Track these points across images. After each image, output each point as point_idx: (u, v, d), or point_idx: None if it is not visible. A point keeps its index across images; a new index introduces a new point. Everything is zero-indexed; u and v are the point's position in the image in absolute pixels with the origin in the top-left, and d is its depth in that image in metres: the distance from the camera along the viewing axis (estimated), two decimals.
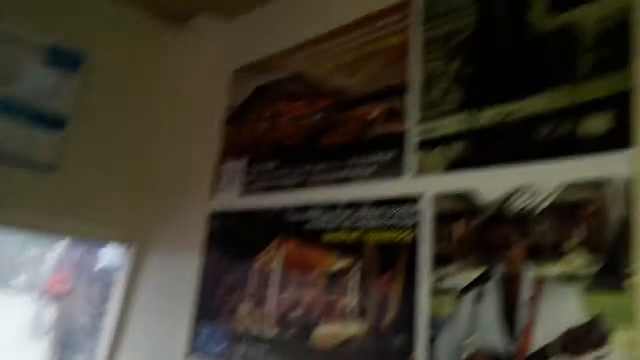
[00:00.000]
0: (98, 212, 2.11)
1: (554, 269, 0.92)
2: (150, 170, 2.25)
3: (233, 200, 1.83)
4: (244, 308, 1.59)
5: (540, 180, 1.00)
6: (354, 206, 1.38)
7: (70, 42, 2.04)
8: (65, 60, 2.02)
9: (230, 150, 1.95)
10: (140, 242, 2.18)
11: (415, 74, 1.37)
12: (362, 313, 1.24)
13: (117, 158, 2.16)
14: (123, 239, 2.20)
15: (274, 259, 1.57)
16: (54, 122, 1.98)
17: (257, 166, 1.80)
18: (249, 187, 1.79)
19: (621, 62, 0.95)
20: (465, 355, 1.00)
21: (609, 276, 0.86)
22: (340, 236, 1.38)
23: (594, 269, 0.88)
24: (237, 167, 1.88)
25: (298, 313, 1.41)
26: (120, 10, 2.23)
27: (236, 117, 1.99)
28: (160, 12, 2.28)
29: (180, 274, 1.93)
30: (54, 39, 2.00)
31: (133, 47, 2.26)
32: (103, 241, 2.30)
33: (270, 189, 1.70)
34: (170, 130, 2.29)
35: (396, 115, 1.38)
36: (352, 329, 1.24)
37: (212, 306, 1.71)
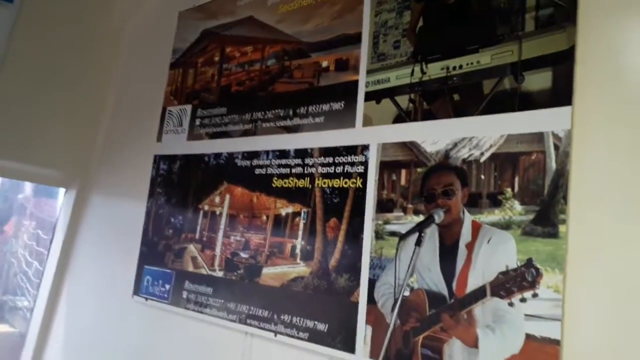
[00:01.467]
0: (36, 153, 2.02)
1: (492, 216, 1.01)
2: (93, 111, 2.16)
3: (180, 143, 1.81)
4: (191, 250, 1.62)
5: (482, 133, 1.07)
6: (304, 154, 1.41)
7: None
8: None
9: (177, 93, 1.91)
10: (82, 184, 2.13)
11: (367, 25, 1.38)
12: (309, 254, 1.30)
13: (56, 98, 2.05)
14: (63, 182, 2.14)
15: (222, 202, 1.59)
16: None
17: (204, 111, 1.77)
18: (196, 131, 1.77)
19: (564, 21, 1.01)
20: (404, 293, 1.09)
21: (543, 223, 0.94)
22: (290, 182, 1.42)
23: (530, 216, 0.97)
24: (184, 110, 1.85)
25: (245, 254, 1.46)
26: None
27: (182, 60, 1.94)
28: None
29: (125, 216, 1.91)
30: None
31: None
32: (42, 182, 2.21)
33: (218, 134, 1.70)
34: (115, 70, 2.20)
35: (348, 65, 1.40)
36: (299, 268, 1.31)
37: (157, 248, 1.72)
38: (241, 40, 1.76)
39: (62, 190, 2.23)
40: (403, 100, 1.23)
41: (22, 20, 1.93)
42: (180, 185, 1.75)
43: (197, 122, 1.78)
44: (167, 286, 1.62)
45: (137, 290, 1.72)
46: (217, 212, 1.59)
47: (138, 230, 1.81)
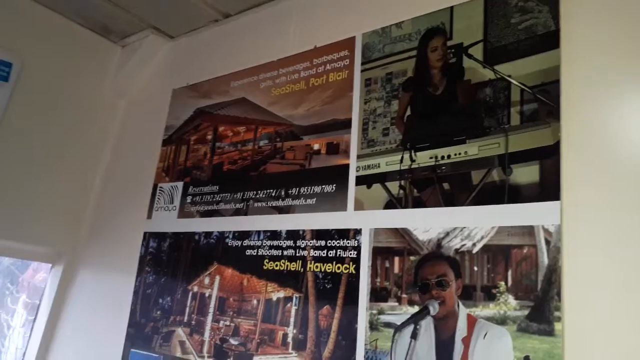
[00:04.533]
0: (22, 230, 1.99)
1: (487, 310, 1.00)
2: (85, 187, 2.16)
3: (170, 221, 1.80)
4: (179, 333, 1.57)
5: (473, 223, 1.08)
6: (295, 235, 1.41)
7: (1, 51, 1.93)
8: None
9: (169, 170, 1.92)
10: (69, 262, 2.08)
11: (356, 111, 1.43)
12: (301, 344, 1.27)
13: (47, 173, 2.05)
14: (50, 258, 2.10)
15: (211, 284, 1.56)
16: None
17: (196, 188, 1.78)
18: (187, 209, 1.77)
19: (548, 116, 1.05)
20: None
21: (538, 320, 0.94)
22: (281, 265, 1.41)
23: (524, 311, 0.96)
24: (174, 188, 1.86)
25: (235, 341, 1.42)
26: (58, 23, 2.13)
27: (175, 137, 1.97)
28: (100, 27, 2.20)
29: (113, 294, 1.87)
30: None
31: (71, 60, 2.15)
32: (28, 259, 2.16)
33: (209, 213, 1.69)
34: (107, 146, 2.22)
35: (338, 149, 1.43)
36: (291, 359, 1.27)
37: (145, 330, 1.67)
38: (234, 120, 1.80)
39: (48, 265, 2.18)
40: (394, 186, 1.25)
41: (16, 98, 1.96)
42: (170, 264, 1.72)
43: (189, 199, 1.78)
44: None
45: None
46: (207, 294, 1.56)
47: (125, 310, 1.76)
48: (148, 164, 2.00)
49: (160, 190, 1.90)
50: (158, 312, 1.66)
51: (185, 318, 1.58)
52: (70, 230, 2.11)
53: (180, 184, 1.84)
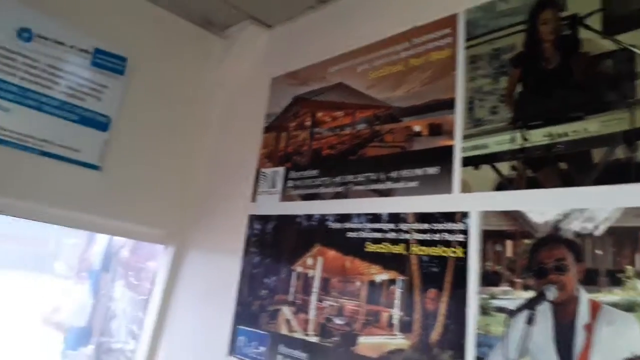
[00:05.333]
0: (139, 211, 2.17)
1: (611, 296, 0.94)
2: (192, 172, 2.30)
3: (273, 204, 1.87)
4: (285, 312, 1.63)
5: (595, 204, 1.01)
6: (398, 218, 1.40)
7: (115, 47, 2.09)
8: (109, 63, 2.08)
9: (270, 156, 1.99)
10: (180, 243, 2.24)
11: (460, 90, 1.38)
12: (407, 326, 1.27)
13: (159, 160, 2.21)
14: (163, 239, 2.27)
15: (314, 264, 1.60)
16: (99, 123, 2.03)
17: (296, 173, 1.83)
18: (289, 193, 1.82)
19: None
20: None
21: None
22: (383, 247, 1.41)
23: None
24: (276, 173, 1.92)
25: (340, 321, 1.45)
26: (163, 17, 2.27)
27: (275, 125, 2.03)
28: (202, 19, 2.32)
29: (220, 274, 1.98)
30: (100, 42, 2.06)
31: (176, 53, 2.30)
32: (144, 240, 2.36)
33: (310, 196, 1.73)
34: (211, 134, 2.34)
35: (441, 129, 1.39)
36: (397, 340, 1.27)
37: (252, 308, 1.76)
38: (332, 105, 1.82)
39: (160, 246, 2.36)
40: (504, 167, 1.20)
41: (131, 90, 2.12)
42: (274, 245, 1.79)
43: (290, 183, 1.83)
44: (262, 348, 1.64)
45: (232, 350, 1.75)
46: (310, 275, 1.60)
47: (233, 289, 1.86)
48: (250, 151, 2.08)
49: (263, 175, 1.97)
50: (264, 291, 1.74)
51: (290, 297, 1.64)
52: (180, 213, 2.27)
53: (281, 169, 1.90)
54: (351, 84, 1.76)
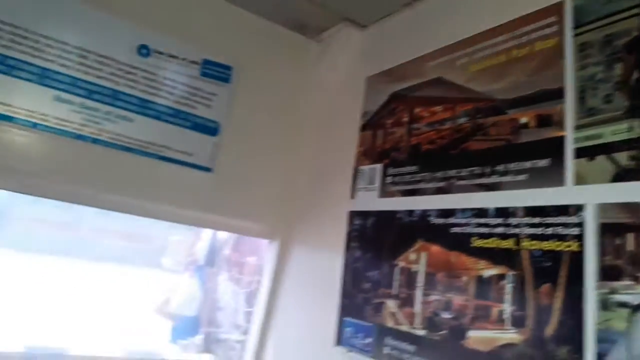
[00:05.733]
0: (246, 209, 2.32)
1: None
2: (293, 171, 2.42)
3: (372, 200, 1.91)
4: (389, 305, 1.67)
5: None
6: (506, 213, 1.39)
7: (220, 57, 2.25)
8: (216, 72, 2.24)
9: (367, 153, 2.03)
10: (284, 238, 2.36)
11: (570, 79, 1.34)
12: (519, 321, 1.26)
13: (264, 160, 2.35)
14: (268, 234, 2.40)
15: (417, 260, 1.63)
16: (209, 128, 2.20)
17: (394, 169, 1.86)
18: (388, 189, 1.86)
19: None
20: None
21: None
22: (491, 243, 1.40)
23: None
24: (374, 169, 1.96)
25: (447, 315, 1.46)
26: (262, 26, 2.40)
27: (372, 123, 2.07)
28: (298, 25, 2.42)
29: (323, 269, 2.06)
30: (207, 54, 2.22)
31: (275, 59, 2.43)
32: (250, 235, 2.51)
33: (409, 192, 1.76)
34: (310, 134, 2.44)
35: (551, 120, 1.36)
36: (509, 335, 1.27)
37: (356, 301, 1.82)
38: (430, 100, 1.82)
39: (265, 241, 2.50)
40: (622, 157, 1.15)
41: (236, 96, 2.27)
42: (375, 240, 1.84)
43: (388, 180, 1.87)
44: (368, 339, 1.69)
45: (339, 341, 1.82)
46: (414, 270, 1.63)
47: (336, 282, 1.93)
48: (347, 149, 2.14)
49: (360, 172, 2.02)
50: (367, 285, 1.79)
51: (394, 291, 1.67)
52: (283, 210, 2.39)
53: (379, 166, 1.94)
54: (450, 78, 1.76)
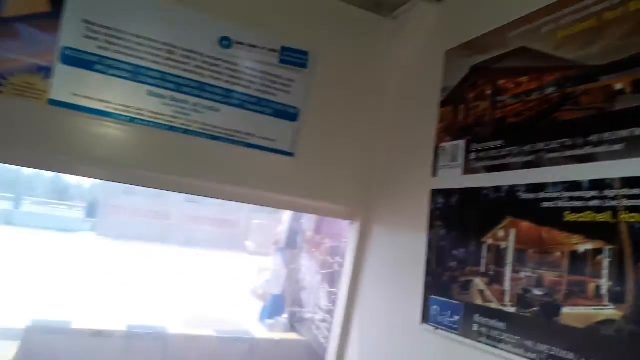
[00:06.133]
0: (327, 191, 2.38)
1: None
2: (372, 152, 2.44)
3: (455, 178, 1.89)
4: (477, 283, 1.66)
5: None
6: (601, 185, 1.32)
7: (297, 43, 2.29)
8: (294, 58, 2.29)
9: (449, 130, 2.00)
10: (364, 218, 2.40)
11: None
12: (618, 296, 1.20)
13: (343, 142, 2.39)
14: (349, 215, 2.45)
15: (506, 236, 1.59)
16: (290, 114, 2.27)
17: (478, 145, 1.81)
18: (472, 166, 1.82)
19: None
20: None
21: None
22: (585, 217, 1.34)
23: None
24: (456, 146, 1.93)
25: (539, 292, 1.42)
26: (337, 7, 2.41)
27: (452, 98, 2.03)
28: (371, 3, 2.41)
29: (405, 248, 2.08)
30: (284, 41, 2.27)
31: (350, 39, 2.43)
32: (331, 216, 2.57)
33: (495, 167, 1.71)
34: (388, 113, 2.44)
35: None
36: (608, 311, 1.22)
37: (442, 280, 1.81)
38: (514, 71, 1.75)
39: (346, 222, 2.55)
40: None
41: (314, 80, 2.31)
42: (459, 218, 1.82)
43: (472, 156, 1.83)
44: (456, 317, 1.69)
45: (425, 319, 1.84)
46: (502, 247, 1.59)
47: (420, 261, 1.94)
48: (427, 126, 2.11)
49: (442, 149, 2.00)
50: (453, 263, 1.78)
51: (482, 269, 1.65)
52: (363, 191, 2.42)
53: (462, 142, 1.90)
54: (535, 46, 1.68)
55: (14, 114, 1.87)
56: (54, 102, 1.92)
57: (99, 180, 2.25)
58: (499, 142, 1.72)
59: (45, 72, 1.90)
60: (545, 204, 1.48)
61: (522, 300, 1.47)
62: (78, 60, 1.95)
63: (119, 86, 2.01)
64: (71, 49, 1.94)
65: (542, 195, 1.50)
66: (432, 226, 1.94)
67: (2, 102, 1.84)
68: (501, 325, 1.52)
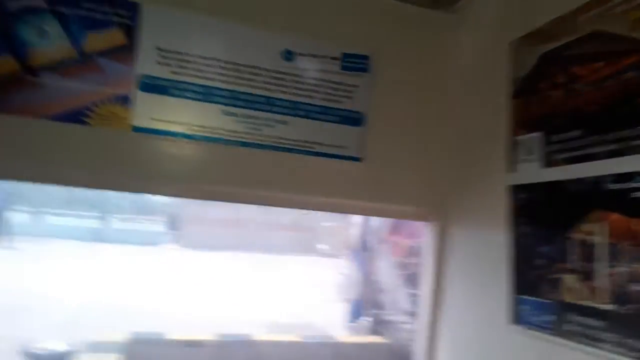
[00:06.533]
0: (399, 193, 2.37)
1: None
2: (442, 151, 2.40)
3: (534, 172, 1.82)
4: (567, 280, 1.59)
5: None
6: None
7: (357, 48, 2.31)
8: (356, 64, 2.31)
9: (522, 122, 1.93)
10: (440, 219, 2.37)
11: None
12: None
13: (411, 143, 2.38)
14: (423, 216, 2.43)
15: (594, 231, 1.52)
16: (355, 120, 2.29)
17: (555, 136, 1.74)
18: (551, 158, 1.75)
19: None
20: None
21: None
22: None
23: None
24: (532, 139, 1.86)
25: (638, 287, 1.35)
26: (394, 8, 2.40)
27: (522, 89, 1.96)
28: (430, 0, 2.37)
29: (485, 247, 2.03)
30: (345, 47, 2.29)
31: (411, 38, 2.41)
32: (404, 218, 2.56)
33: (575, 159, 1.64)
34: (454, 111, 2.39)
35: None
36: None
37: (529, 277, 1.76)
38: (588, 57, 1.67)
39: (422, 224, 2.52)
40: None
41: (376, 84, 2.32)
42: (543, 214, 1.75)
43: (550, 148, 1.76)
44: (548, 316, 1.63)
45: (515, 320, 1.79)
46: (591, 241, 1.53)
47: (502, 259, 1.89)
48: (497, 120, 2.05)
49: (517, 143, 1.94)
50: (539, 261, 1.72)
51: (571, 265, 1.59)
52: (437, 191, 2.39)
53: (537, 135, 1.83)
54: (609, 29, 1.60)
55: (102, 142, 2.02)
56: (137, 129, 2.05)
57: None
58: (577, 132, 1.65)
59: (125, 100, 2.04)
60: (635, 194, 1.40)
61: (618, 296, 1.40)
62: (154, 86, 2.07)
63: (193, 108, 2.11)
64: (147, 76, 2.06)
65: (631, 184, 1.42)
66: (513, 223, 1.89)
67: (91, 132, 1.98)
68: (598, 324, 1.45)
